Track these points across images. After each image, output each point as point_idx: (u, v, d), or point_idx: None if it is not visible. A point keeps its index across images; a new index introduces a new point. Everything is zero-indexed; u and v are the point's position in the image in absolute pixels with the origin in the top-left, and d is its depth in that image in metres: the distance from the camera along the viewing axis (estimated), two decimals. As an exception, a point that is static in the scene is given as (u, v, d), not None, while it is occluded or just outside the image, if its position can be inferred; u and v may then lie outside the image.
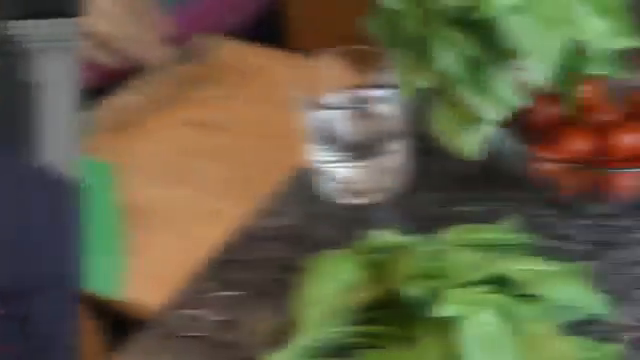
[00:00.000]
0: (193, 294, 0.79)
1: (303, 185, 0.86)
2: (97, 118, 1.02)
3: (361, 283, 0.69)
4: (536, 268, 0.67)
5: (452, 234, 0.73)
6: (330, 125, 0.81)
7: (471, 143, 0.72)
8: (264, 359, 0.68)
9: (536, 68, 0.68)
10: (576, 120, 0.82)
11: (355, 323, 0.72)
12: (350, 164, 0.81)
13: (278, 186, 0.85)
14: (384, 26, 0.73)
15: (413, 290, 0.66)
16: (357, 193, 0.83)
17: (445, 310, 0.63)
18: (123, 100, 1.05)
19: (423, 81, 0.71)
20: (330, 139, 0.81)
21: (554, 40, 0.68)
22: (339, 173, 0.82)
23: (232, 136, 0.96)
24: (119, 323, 0.82)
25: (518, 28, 0.67)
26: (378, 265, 0.69)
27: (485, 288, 0.65)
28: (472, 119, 0.71)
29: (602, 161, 0.79)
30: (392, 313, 0.70)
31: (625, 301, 0.73)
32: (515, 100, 0.70)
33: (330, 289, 0.68)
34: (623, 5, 0.70)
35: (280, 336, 0.72)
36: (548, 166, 0.76)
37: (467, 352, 0.62)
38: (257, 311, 0.77)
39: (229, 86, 1.06)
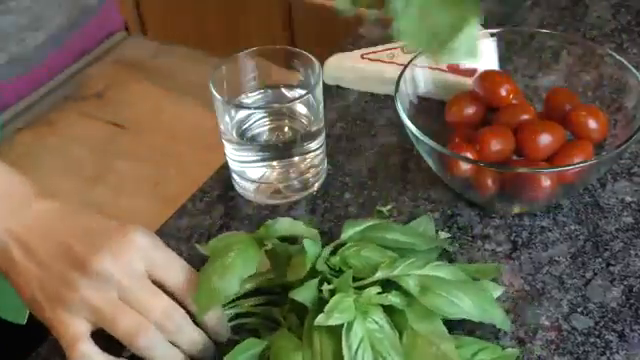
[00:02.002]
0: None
1: (220, 185, 0.85)
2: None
3: (263, 267, 0.70)
4: (432, 274, 0.68)
5: (361, 233, 0.73)
6: (247, 125, 0.80)
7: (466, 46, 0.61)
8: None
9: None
10: (494, 120, 0.82)
11: (254, 305, 0.71)
12: (267, 164, 0.80)
13: (195, 186, 0.84)
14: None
15: (303, 294, 0.66)
16: (274, 193, 0.82)
17: (331, 320, 0.63)
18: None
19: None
20: (247, 139, 0.80)
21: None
22: (256, 173, 0.81)
23: (149, 136, 0.95)
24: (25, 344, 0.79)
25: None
26: (279, 254, 0.70)
27: (377, 290, 0.66)
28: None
29: (520, 161, 0.79)
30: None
31: (542, 301, 0.73)
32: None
33: (231, 272, 0.67)
34: None
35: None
36: (466, 166, 0.76)
37: (353, 355, 0.62)
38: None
39: (146, 86, 1.05)
